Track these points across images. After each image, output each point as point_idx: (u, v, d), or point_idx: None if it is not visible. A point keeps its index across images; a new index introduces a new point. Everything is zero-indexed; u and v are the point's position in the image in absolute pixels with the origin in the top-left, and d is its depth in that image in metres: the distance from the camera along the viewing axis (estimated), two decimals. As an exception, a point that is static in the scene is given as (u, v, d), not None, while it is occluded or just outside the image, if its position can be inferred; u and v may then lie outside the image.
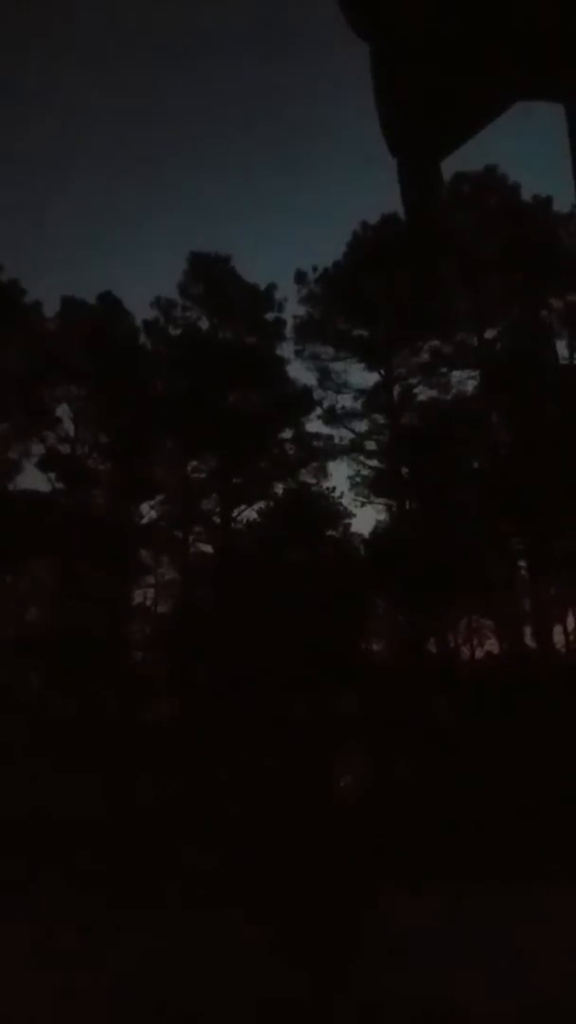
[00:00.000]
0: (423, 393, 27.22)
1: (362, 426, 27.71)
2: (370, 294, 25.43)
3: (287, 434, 27.64)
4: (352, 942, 8.64)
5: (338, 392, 27.62)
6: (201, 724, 19.62)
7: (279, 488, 27.18)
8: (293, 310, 27.76)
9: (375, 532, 25.74)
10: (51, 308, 27.60)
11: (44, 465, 26.21)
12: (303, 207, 53.61)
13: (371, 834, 15.15)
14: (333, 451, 27.73)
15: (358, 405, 27.57)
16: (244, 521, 26.83)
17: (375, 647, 26.23)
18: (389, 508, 26.75)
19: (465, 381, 26.83)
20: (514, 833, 13.98)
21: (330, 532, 25.38)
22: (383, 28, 0.83)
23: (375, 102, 0.88)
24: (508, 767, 16.36)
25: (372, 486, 27.15)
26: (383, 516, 27.08)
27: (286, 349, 27.78)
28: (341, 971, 7.49)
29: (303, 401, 27.27)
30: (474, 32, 0.78)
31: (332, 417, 27.52)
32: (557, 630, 24.73)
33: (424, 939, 8.30)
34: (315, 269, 27.12)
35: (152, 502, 27.73)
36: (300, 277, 27.25)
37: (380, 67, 0.86)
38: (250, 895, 11.25)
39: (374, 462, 27.53)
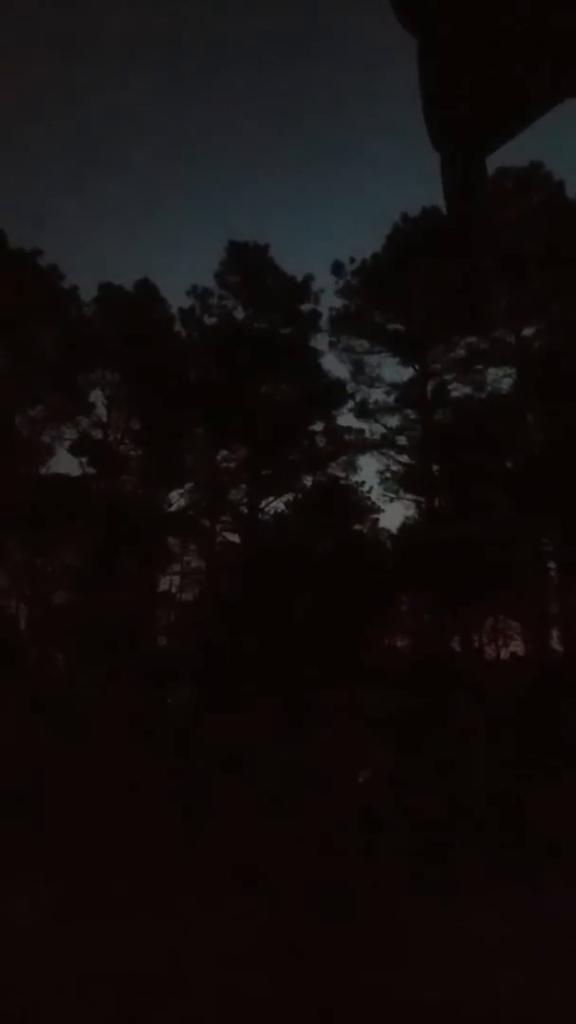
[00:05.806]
0: (457, 389, 26.98)
1: (394, 421, 27.57)
2: (407, 288, 25.24)
3: (318, 426, 27.65)
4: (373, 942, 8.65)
5: (371, 386, 27.53)
6: (221, 712, 19.73)
7: (308, 480, 27.22)
8: (329, 302, 27.74)
9: (403, 528, 25.69)
10: (88, 293, 27.89)
11: (76, 450, 26.51)
12: (343, 198, 53.46)
13: (387, 830, 15.12)
14: (364, 445, 27.64)
15: (391, 399, 27.44)
16: (272, 512, 26.93)
17: (399, 643, 26.18)
18: (418, 504, 26.64)
19: (501, 379, 26.54)
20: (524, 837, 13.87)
21: (358, 526, 25.35)
22: (432, 21, 0.82)
23: (421, 95, 0.87)
24: (530, 769, 16.22)
25: (402, 481, 27.02)
26: (412, 512, 27.01)
27: (320, 341, 27.76)
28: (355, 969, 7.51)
29: (335, 394, 27.18)
30: (524, 27, 0.77)
31: (364, 411, 27.42)
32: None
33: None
34: (353, 261, 26.99)
35: (181, 490, 27.95)
36: (337, 269, 27.13)
37: (427, 60, 0.85)
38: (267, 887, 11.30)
39: (405, 457, 27.38)
